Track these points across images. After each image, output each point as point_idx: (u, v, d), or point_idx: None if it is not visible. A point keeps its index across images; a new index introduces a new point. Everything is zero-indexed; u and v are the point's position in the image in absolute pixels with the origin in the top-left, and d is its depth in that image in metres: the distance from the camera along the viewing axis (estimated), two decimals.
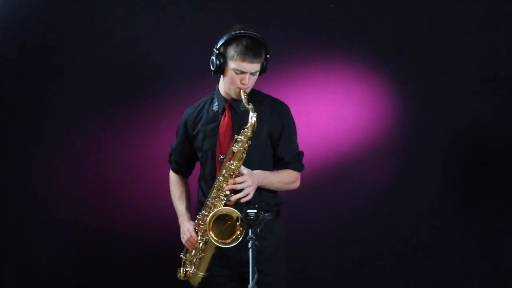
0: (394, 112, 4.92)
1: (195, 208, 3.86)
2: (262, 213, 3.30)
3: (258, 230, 3.27)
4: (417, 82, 4.90)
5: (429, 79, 4.89)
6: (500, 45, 4.83)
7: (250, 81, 3.63)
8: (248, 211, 3.28)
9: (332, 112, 4.92)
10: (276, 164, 3.79)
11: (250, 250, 3.18)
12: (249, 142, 3.59)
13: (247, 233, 3.28)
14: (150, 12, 4.96)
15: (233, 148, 3.60)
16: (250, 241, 3.21)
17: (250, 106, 3.58)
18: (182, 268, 3.76)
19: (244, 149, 3.59)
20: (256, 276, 3.11)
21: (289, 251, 3.91)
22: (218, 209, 3.58)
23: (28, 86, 4.97)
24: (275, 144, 3.75)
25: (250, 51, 3.58)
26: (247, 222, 3.27)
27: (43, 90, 4.98)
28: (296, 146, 3.82)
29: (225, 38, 3.62)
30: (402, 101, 4.92)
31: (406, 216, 4.90)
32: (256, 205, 3.33)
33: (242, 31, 3.61)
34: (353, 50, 4.91)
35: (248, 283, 3.53)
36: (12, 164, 4.98)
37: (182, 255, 3.77)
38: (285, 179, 3.77)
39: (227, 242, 3.51)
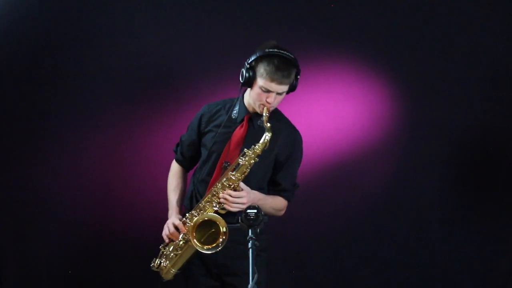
0: (394, 112, 4.92)
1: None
2: (262, 213, 3.30)
3: (258, 230, 3.27)
4: (417, 82, 4.90)
5: (429, 79, 4.89)
6: (500, 45, 4.83)
7: (275, 101, 3.64)
8: (248, 211, 3.28)
9: (332, 112, 4.92)
10: (270, 187, 3.80)
11: (250, 250, 3.18)
12: (256, 159, 3.60)
13: (246, 233, 3.28)
14: (152, 12, 4.95)
15: (239, 160, 3.61)
16: (250, 241, 3.21)
17: (268, 126, 3.59)
18: (157, 259, 3.75)
19: (250, 165, 3.61)
20: (256, 276, 3.11)
21: (289, 251, 3.91)
22: (206, 214, 3.60)
23: (28, 86, 4.97)
24: (277, 169, 3.76)
25: (280, 72, 3.58)
26: (247, 222, 3.26)
27: (44, 90, 4.98)
28: (295, 177, 3.84)
29: (257, 54, 3.62)
30: (402, 101, 4.92)
31: (406, 216, 4.90)
32: (256, 205, 3.33)
33: (275, 50, 3.61)
34: (353, 50, 4.91)
35: (230, 285, 3.59)
36: (12, 164, 4.98)
37: (161, 247, 3.77)
38: (276, 205, 3.78)
39: (205, 248, 3.54)
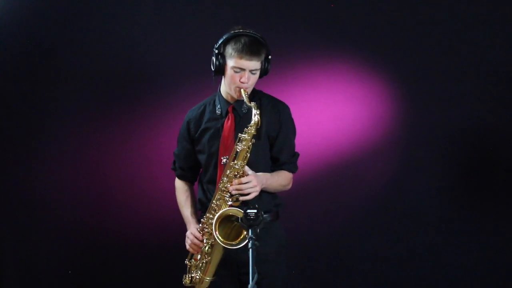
0: (394, 112, 4.92)
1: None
2: (262, 213, 3.29)
3: (258, 230, 3.27)
4: (417, 82, 4.90)
5: (429, 79, 4.89)
6: (500, 45, 4.83)
7: (250, 80, 3.59)
8: (248, 211, 3.27)
9: (332, 112, 4.92)
10: (272, 164, 3.76)
11: (250, 250, 3.17)
12: (253, 140, 3.56)
13: (247, 233, 3.27)
14: (149, 12, 4.96)
15: (237, 147, 3.57)
16: (250, 241, 3.20)
17: (253, 104, 3.54)
18: (187, 274, 3.69)
19: (248, 148, 3.56)
20: (256, 276, 3.11)
21: (289, 251, 3.90)
22: (223, 210, 3.52)
23: (28, 86, 4.98)
24: (272, 144, 3.72)
25: (248, 48, 3.54)
26: (247, 222, 3.26)
27: (43, 90, 4.98)
28: (292, 147, 3.79)
29: (224, 37, 3.60)
30: (402, 101, 4.92)
31: (406, 216, 4.90)
32: (256, 205, 3.32)
33: (241, 30, 3.59)
34: (353, 50, 4.91)
35: (246, 285, 3.52)
36: (12, 164, 4.98)
37: (187, 261, 3.71)
38: (282, 181, 3.74)
39: (234, 243, 3.45)
